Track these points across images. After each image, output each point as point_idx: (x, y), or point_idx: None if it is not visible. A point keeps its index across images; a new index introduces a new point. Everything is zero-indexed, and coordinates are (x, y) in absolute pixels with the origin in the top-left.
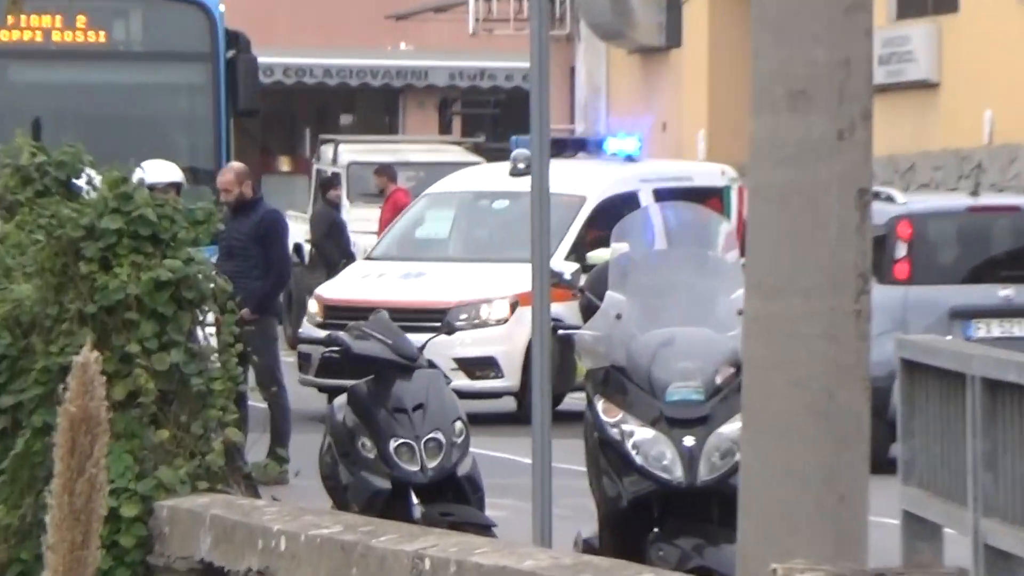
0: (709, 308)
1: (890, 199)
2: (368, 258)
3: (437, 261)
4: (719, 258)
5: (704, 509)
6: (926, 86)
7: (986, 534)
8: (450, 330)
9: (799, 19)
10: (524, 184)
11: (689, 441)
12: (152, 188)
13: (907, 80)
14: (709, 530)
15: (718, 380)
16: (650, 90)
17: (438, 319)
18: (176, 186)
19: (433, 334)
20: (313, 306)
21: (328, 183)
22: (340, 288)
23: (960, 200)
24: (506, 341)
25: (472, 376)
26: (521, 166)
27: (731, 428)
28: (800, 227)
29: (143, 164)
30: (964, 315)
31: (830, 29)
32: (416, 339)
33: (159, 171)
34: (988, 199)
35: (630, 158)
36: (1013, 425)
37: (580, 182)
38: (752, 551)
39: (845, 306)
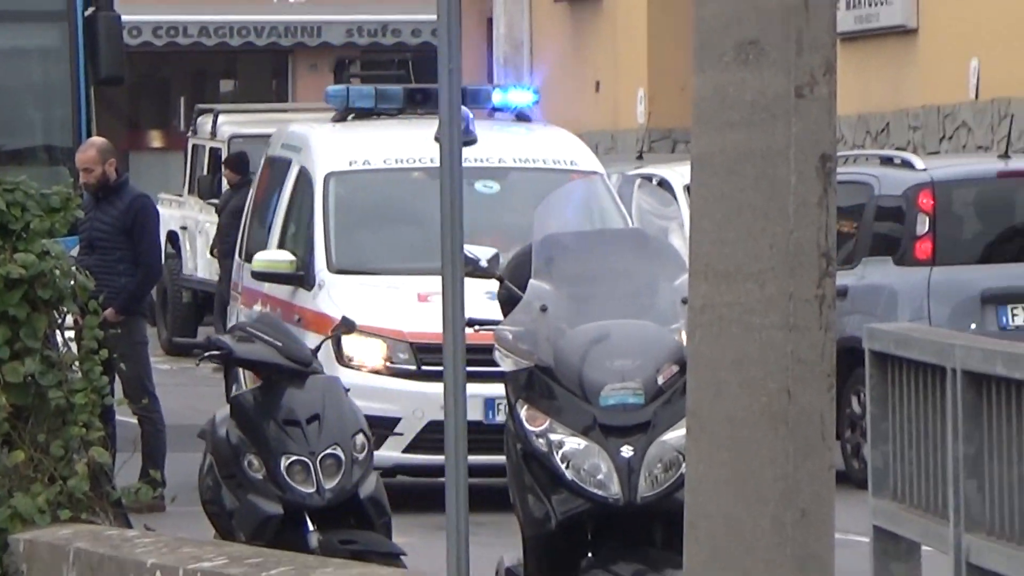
0: (649, 297)
1: (908, 165)
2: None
3: (434, 274)
4: (660, 239)
5: (645, 530)
6: (903, 32)
7: (970, 551)
8: (349, 329)
9: None
10: (505, 157)
11: (627, 452)
12: None
13: (880, 26)
14: (651, 554)
15: (660, 380)
16: (580, 44)
17: None
18: None
19: (329, 335)
20: (382, 349)
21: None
22: (418, 321)
23: (989, 164)
24: None
25: None
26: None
27: (675, 436)
28: (752, 201)
29: None
30: (998, 300)
31: None
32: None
33: None
34: (1021, 162)
35: (522, 114)
36: (1001, 425)
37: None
38: None
39: (806, 292)
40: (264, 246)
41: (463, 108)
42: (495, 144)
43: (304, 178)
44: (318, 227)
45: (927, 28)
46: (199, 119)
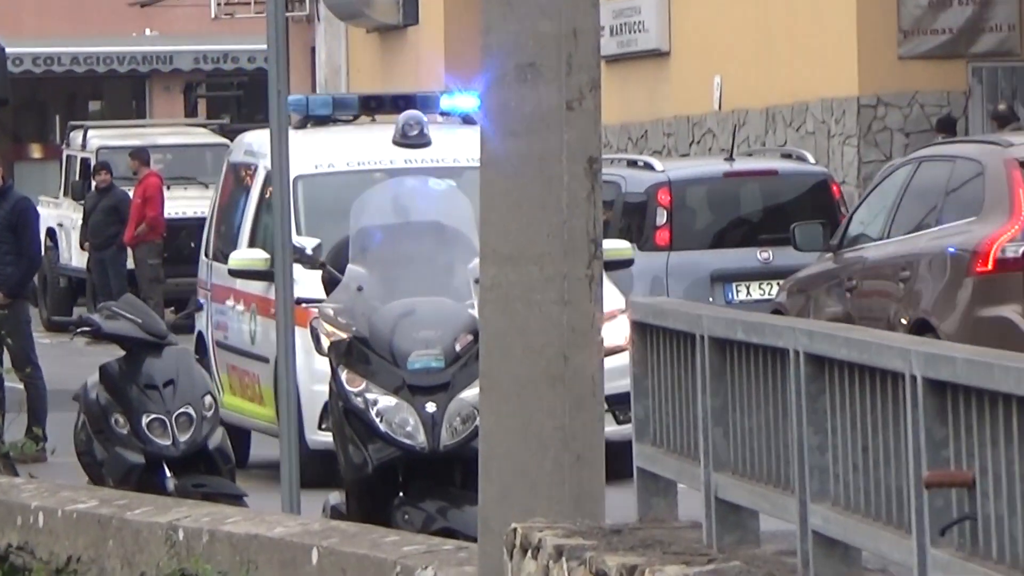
0: (447, 278)
1: (649, 167)
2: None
3: None
4: (455, 229)
5: (447, 473)
6: (657, 55)
7: (717, 488)
8: (198, 308)
9: None
10: (459, 158)
11: (431, 407)
12: None
13: (638, 50)
14: (452, 493)
15: (457, 348)
16: (389, 68)
17: None
18: None
19: (189, 310)
20: None
21: (101, 168)
22: None
23: (717, 166)
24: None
25: (617, 421)
26: (413, 132)
27: (471, 394)
28: (532, 196)
29: None
30: (724, 278)
31: (557, 2)
32: None
33: None
34: (743, 164)
35: (468, 118)
36: (741, 382)
37: None
38: (493, 512)
39: (578, 272)
40: (234, 245)
41: (416, 112)
42: (448, 145)
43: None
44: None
45: (678, 51)
46: (72, 134)
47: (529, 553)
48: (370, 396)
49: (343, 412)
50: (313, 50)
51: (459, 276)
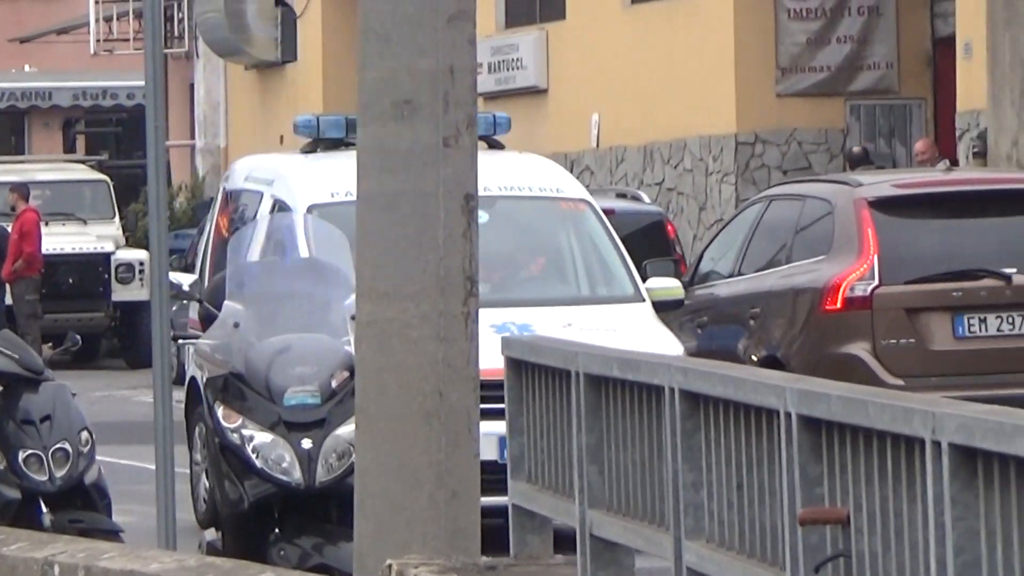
0: (324, 315)
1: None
2: None
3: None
4: (333, 266)
5: (323, 509)
6: (535, 92)
7: (592, 524)
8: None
9: (403, 30)
10: (490, 186)
11: (307, 444)
12: None
13: (516, 87)
14: (328, 529)
15: (333, 384)
16: (268, 105)
17: None
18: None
19: (66, 346)
20: None
21: None
22: None
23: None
24: None
25: None
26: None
27: (347, 430)
28: (408, 233)
29: None
30: None
31: (434, 39)
32: None
33: None
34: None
35: (493, 142)
36: (617, 418)
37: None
38: (369, 547)
39: (454, 309)
40: None
41: None
42: (480, 174)
43: (282, 211)
44: None
45: (556, 88)
46: None
47: None
48: (246, 432)
49: (219, 448)
50: (192, 87)
51: (335, 312)
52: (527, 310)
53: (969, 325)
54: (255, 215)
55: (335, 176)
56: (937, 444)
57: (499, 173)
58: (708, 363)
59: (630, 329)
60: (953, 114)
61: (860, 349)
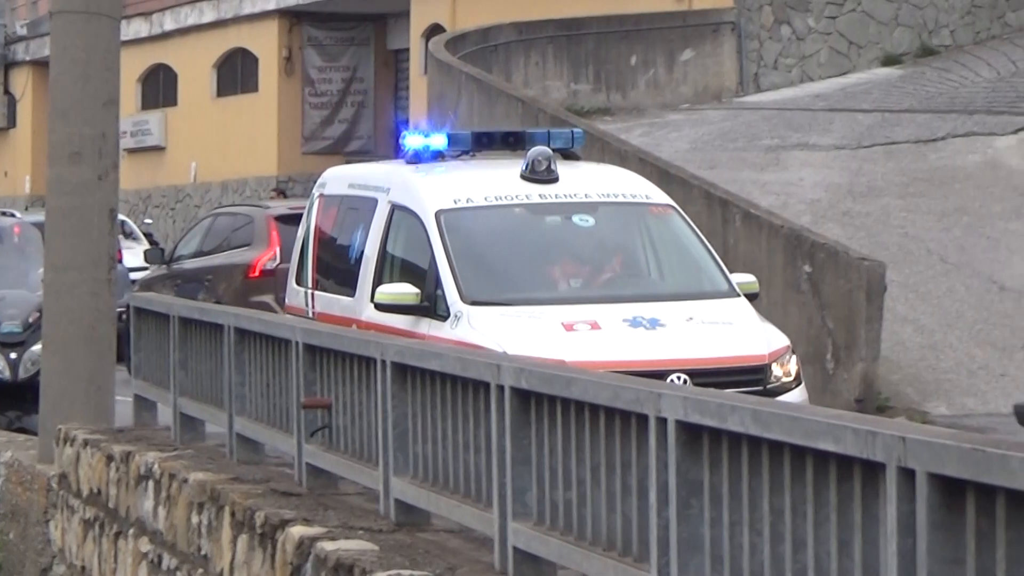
0: (25, 278)
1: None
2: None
3: (567, 303)
4: (35, 248)
5: (23, 395)
6: (158, 149)
7: (182, 406)
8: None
9: (76, 109)
10: (591, 193)
11: (13, 355)
12: None
13: (147, 145)
14: (26, 407)
15: (30, 320)
16: None
17: (756, 379)
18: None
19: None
20: None
21: None
22: (575, 350)
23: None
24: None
25: None
26: (542, 168)
27: (38, 348)
28: (78, 230)
29: None
30: None
31: (94, 116)
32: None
33: None
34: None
35: (568, 153)
36: (195, 340)
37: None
38: (49, 418)
39: (101, 276)
40: (345, 276)
41: (545, 148)
42: (577, 181)
43: (404, 216)
44: (441, 261)
45: (171, 147)
46: None
47: (69, 443)
48: None
49: None
50: None
51: (33, 276)
52: (650, 305)
53: None
54: (369, 219)
55: (455, 185)
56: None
57: (597, 182)
58: (422, 343)
59: (742, 322)
60: None
61: (269, 299)
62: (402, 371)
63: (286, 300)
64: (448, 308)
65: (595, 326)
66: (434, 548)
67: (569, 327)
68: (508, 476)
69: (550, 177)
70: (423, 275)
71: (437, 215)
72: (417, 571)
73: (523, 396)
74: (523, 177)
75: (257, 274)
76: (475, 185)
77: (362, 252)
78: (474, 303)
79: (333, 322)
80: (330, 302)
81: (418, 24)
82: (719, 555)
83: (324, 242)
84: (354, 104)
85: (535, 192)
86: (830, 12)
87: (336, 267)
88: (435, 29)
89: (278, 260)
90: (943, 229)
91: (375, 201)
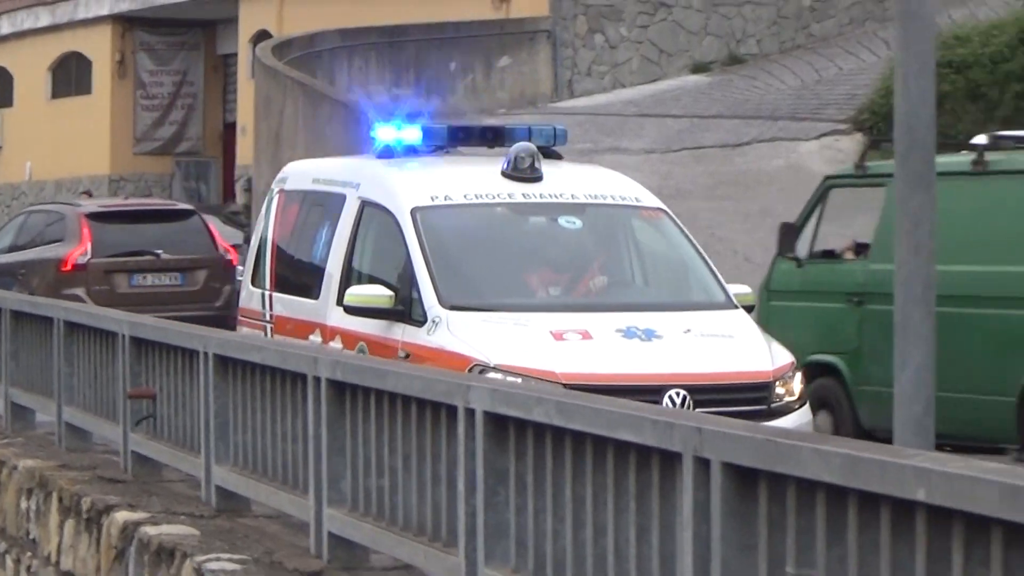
0: None
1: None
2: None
3: (555, 311)
4: None
5: None
6: None
7: (12, 395)
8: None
9: None
10: (578, 194)
11: None
12: None
13: None
14: None
15: None
16: None
17: (760, 398)
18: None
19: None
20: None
21: None
22: (566, 361)
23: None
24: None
25: None
26: (525, 165)
27: None
28: None
29: None
30: None
31: None
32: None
33: None
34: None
35: (550, 152)
36: (26, 332)
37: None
38: None
39: None
40: (308, 277)
41: (529, 145)
42: (562, 181)
43: (376, 213)
44: (418, 262)
45: (7, 146)
46: None
47: None
48: None
49: None
50: None
51: None
52: (644, 315)
53: (138, 279)
54: (334, 216)
55: (432, 182)
56: (316, 379)
57: (584, 183)
58: (241, 336)
59: (744, 336)
60: (234, 168)
61: (80, 291)
62: (224, 363)
63: (239, 302)
64: (425, 313)
65: (586, 336)
66: (253, 533)
67: (558, 336)
68: (324, 464)
69: (534, 175)
70: (397, 277)
71: (413, 212)
72: (236, 555)
73: (339, 388)
74: (504, 175)
75: (69, 268)
76: (453, 181)
77: (328, 252)
78: (453, 308)
79: (293, 325)
80: (290, 304)
81: (246, 30)
82: (524, 541)
83: (284, 240)
84: (184, 107)
85: (518, 191)
86: (642, 21)
87: (298, 267)
88: (262, 35)
89: (89, 255)
90: (748, 230)
91: (343, 197)
